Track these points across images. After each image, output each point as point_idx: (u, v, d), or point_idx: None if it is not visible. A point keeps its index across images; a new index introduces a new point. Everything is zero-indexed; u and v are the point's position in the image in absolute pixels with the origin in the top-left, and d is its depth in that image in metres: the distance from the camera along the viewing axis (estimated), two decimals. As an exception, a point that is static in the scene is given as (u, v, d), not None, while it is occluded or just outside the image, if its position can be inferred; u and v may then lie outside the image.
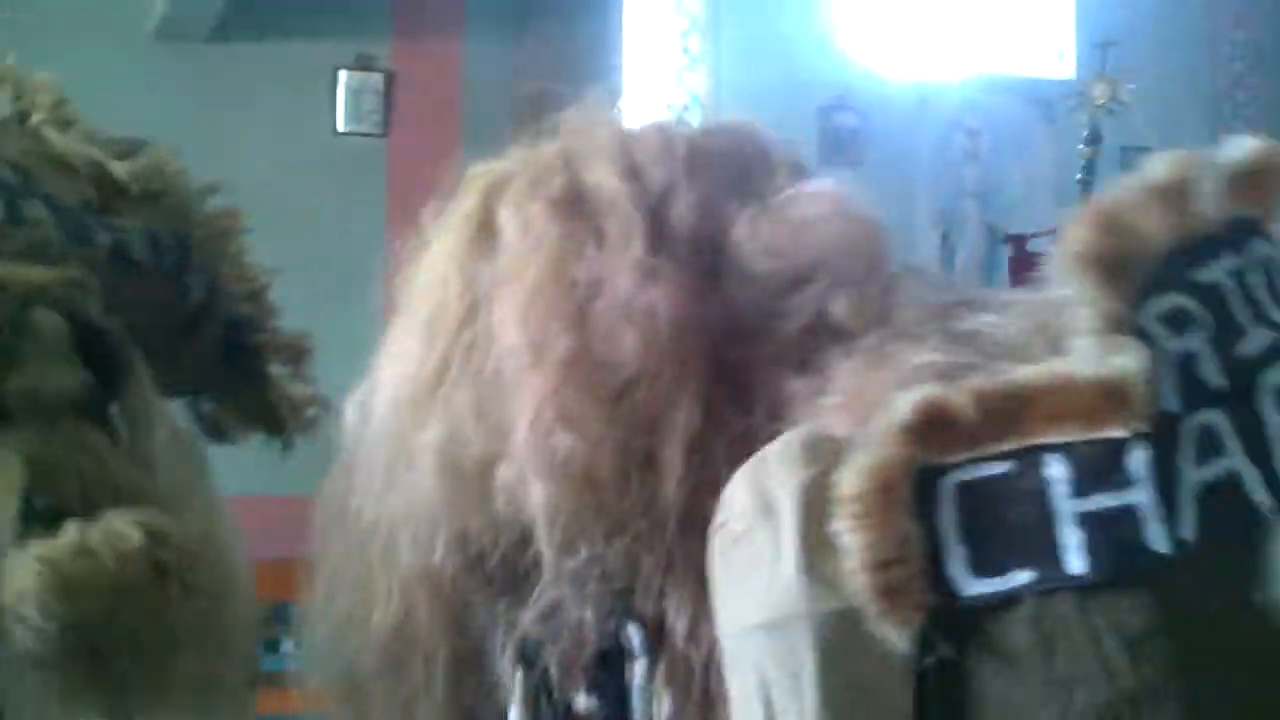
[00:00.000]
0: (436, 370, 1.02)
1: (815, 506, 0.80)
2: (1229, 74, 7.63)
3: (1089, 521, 0.77)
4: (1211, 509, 0.78)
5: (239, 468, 1.29)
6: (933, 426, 0.78)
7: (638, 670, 0.98)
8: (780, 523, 0.82)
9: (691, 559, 0.92)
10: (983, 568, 0.78)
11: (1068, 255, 0.81)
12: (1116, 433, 0.77)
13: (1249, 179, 0.85)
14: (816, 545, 0.80)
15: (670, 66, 6.48)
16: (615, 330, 0.96)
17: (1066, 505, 0.77)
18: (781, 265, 1.00)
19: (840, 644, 0.79)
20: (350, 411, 1.12)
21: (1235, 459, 0.80)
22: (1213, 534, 0.78)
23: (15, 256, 1.02)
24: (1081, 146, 4.97)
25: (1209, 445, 0.80)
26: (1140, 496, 0.77)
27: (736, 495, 0.86)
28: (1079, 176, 4.90)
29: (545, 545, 0.98)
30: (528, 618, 1.01)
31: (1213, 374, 0.80)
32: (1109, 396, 0.77)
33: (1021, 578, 0.77)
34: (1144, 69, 6.57)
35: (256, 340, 1.26)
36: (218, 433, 1.28)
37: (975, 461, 0.78)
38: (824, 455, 0.83)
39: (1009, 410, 0.78)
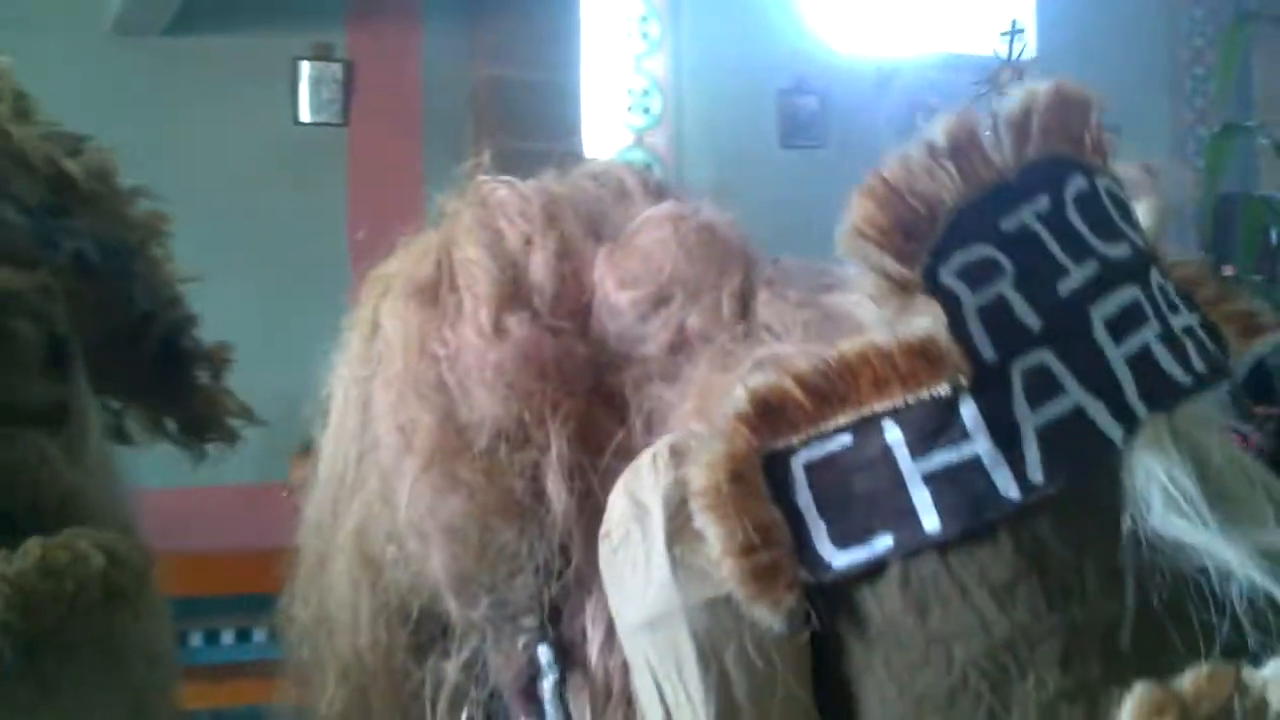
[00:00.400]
0: (349, 471, 1.11)
1: (680, 505, 0.83)
2: (1188, 49, 7.67)
3: (935, 480, 0.78)
4: (1058, 447, 0.78)
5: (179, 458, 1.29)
6: (768, 413, 0.80)
7: (546, 686, 1.01)
8: (650, 525, 0.85)
9: (594, 575, 0.95)
10: (846, 539, 0.79)
11: (848, 231, 0.81)
12: (939, 390, 0.78)
13: (1044, 121, 0.85)
14: (683, 541, 0.83)
15: (629, 52, 6.48)
16: (469, 392, 1.01)
17: (911, 467, 0.78)
18: (638, 293, 1.04)
19: (716, 631, 0.81)
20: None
21: (1075, 395, 0.80)
22: (1064, 472, 0.78)
23: None
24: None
25: (1043, 385, 0.80)
26: (979, 448, 0.77)
27: (615, 505, 0.89)
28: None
29: (451, 604, 1.03)
30: (452, 668, 1.06)
31: (1028, 316, 0.80)
32: (919, 356, 0.78)
33: (884, 543, 0.79)
34: (1104, 47, 6.61)
35: (187, 347, 1.25)
36: (123, 437, 1.27)
37: (818, 439, 0.80)
38: (686, 457, 0.86)
39: (836, 386, 0.80)
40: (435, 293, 1.08)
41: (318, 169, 5.78)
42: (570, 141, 5.89)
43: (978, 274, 0.80)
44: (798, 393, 0.80)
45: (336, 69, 5.91)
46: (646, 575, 0.84)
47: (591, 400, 1.02)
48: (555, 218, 1.10)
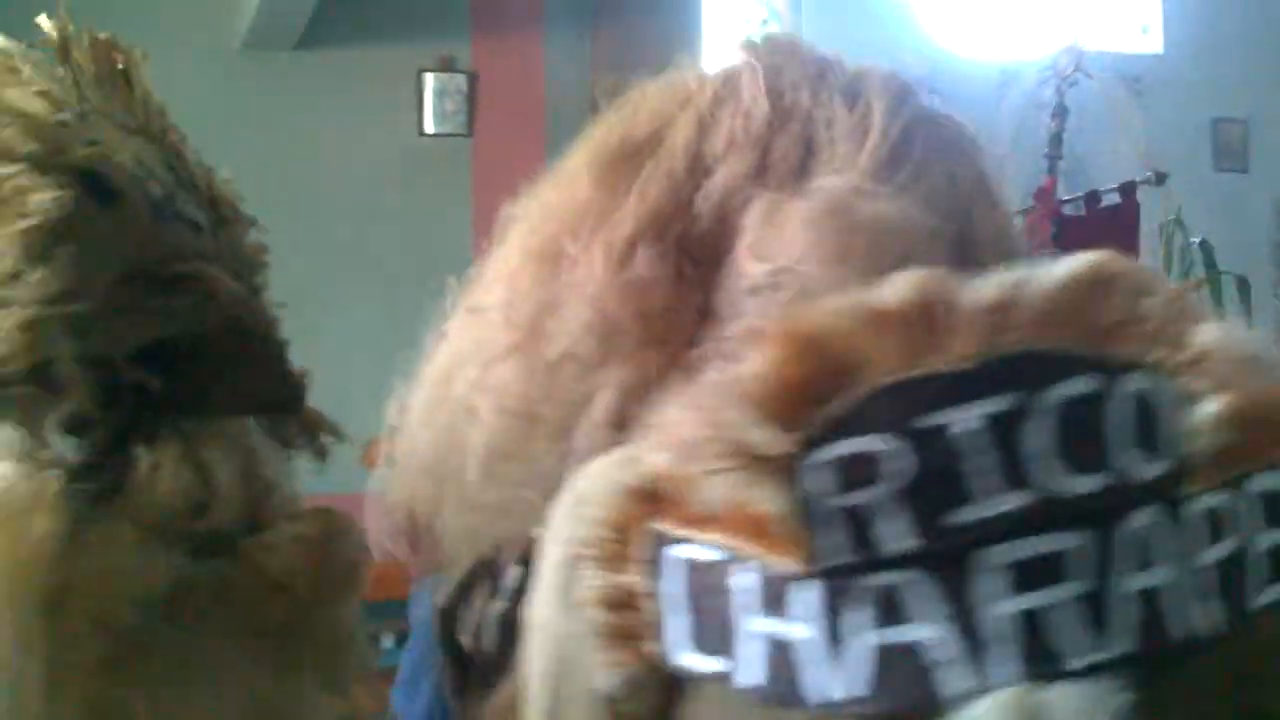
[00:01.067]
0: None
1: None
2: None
3: (761, 639, 0.73)
4: (883, 674, 0.71)
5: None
6: (655, 496, 0.75)
7: (494, 609, 0.95)
8: (564, 533, 0.81)
9: None
10: (698, 642, 0.75)
11: (744, 376, 0.71)
12: (785, 566, 0.71)
13: (1047, 307, 0.71)
14: (571, 570, 0.79)
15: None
16: (567, 300, 0.91)
17: (745, 617, 0.73)
18: (761, 267, 0.90)
19: (563, 664, 0.80)
20: None
21: (920, 630, 0.70)
22: (880, 699, 0.70)
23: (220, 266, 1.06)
24: (1049, 121, 4.72)
25: (889, 608, 0.71)
26: (802, 634, 0.71)
27: (569, 487, 0.83)
28: (1046, 152, 4.64)
29: (471, 471, 0.94)
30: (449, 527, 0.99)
31: (897, 535, 0.69)
32: (759, 527, 0.71)
33: (714, 665, 0.74)
34: (1232, 40, 6.46)
35: (291, 369, 1.29)
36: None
37: (698, 541, 0.74)
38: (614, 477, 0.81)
39: (708, 512, 0.73)
40: (619, 171, 0.95)
41: (443, 179, 5.86)
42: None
43: (855, 470, 0.69)
44: (683, 496, 0.74)
45: (461, 80, 5.99)
46: (546, 573, 0.81)
47: (680, 357, 0.92)
48: (773, 130, 0.93)
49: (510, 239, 0.99)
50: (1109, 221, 4.24)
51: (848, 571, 0.70)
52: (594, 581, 0.75)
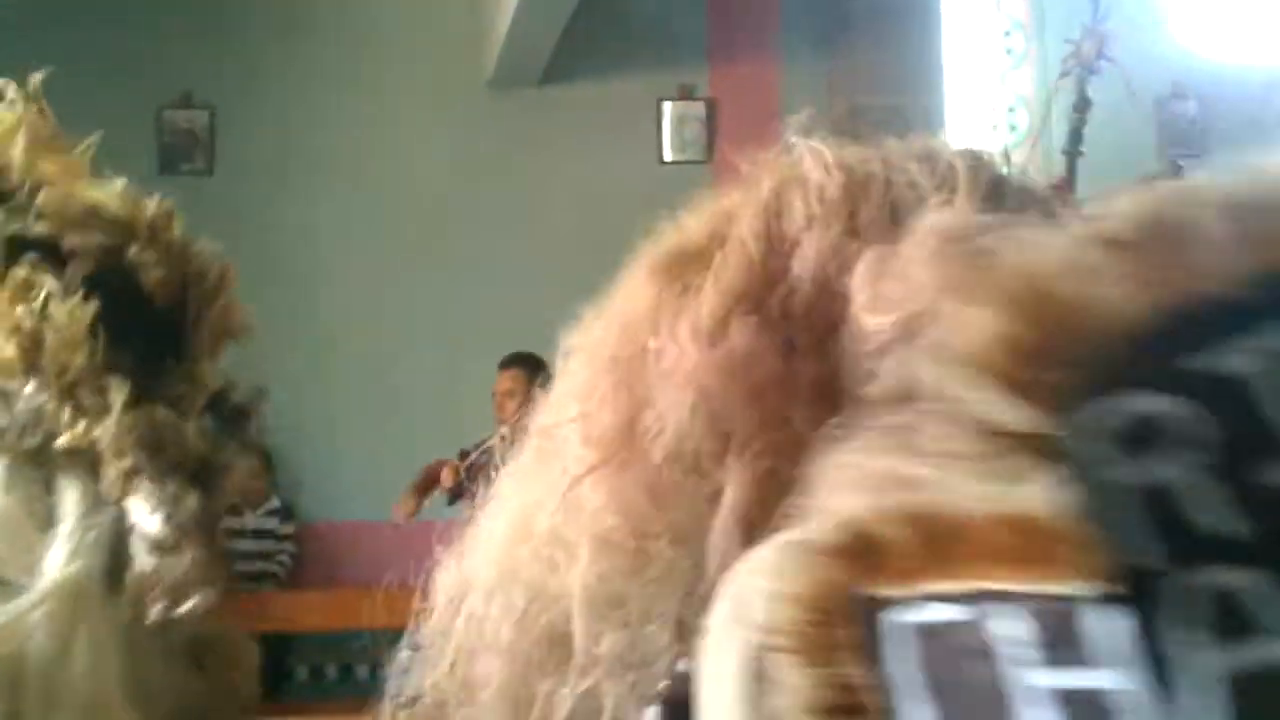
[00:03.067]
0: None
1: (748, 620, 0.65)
2: None
3: (1049, 702, 0.55)
4: (1253, 709, 0.52)
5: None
6: (863, 552, 0.60)
7: None
8: (737, 640, 0.67)
9: None
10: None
11: (966, 352, 0.60)
12: (1069, 590, 0.56)
13: None
14: (759, 678, 0.68)
15: (993, 69, 6.34)
16: (660, 394, 0.80)
17: (1023, 676, 0.56)
18: (884, 319, 0.78)
19: None
20: None
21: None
22: None
23: None
24: (1074, 114, 4.20)
25: (1235, 620, 0.53)
26: (1108, 681, 0.54)
27: (723, 595, 0.73)
28: (1064, 148, 4.21)
29: (579, 628, 0.85)
30: (566, 697, 0.88)
31: (1220, 517, 0.55)
32: (1052, 543, 0.56)
33: None
34: None
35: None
36: None
37: (923, 599, 0.59)
38: (805, 565, 0.70)
39: (950, 543, 0.59)
40: (684, 269, 0.87)
41: (683, 206, 5.90)
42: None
43: (1140, 440, 0.55)
44: (908, 540, 0.59)
45: (699, 107, 6.03)
46: (721, 695, 0.68)
47: (788, 440, 0.80)
48: (854, 199, 0.85)
49: (572, 364, 0.90)
50: None
51: (1165, 577, 0.55)
52: (798, 682, 0.60)
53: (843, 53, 5.93)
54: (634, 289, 0.87)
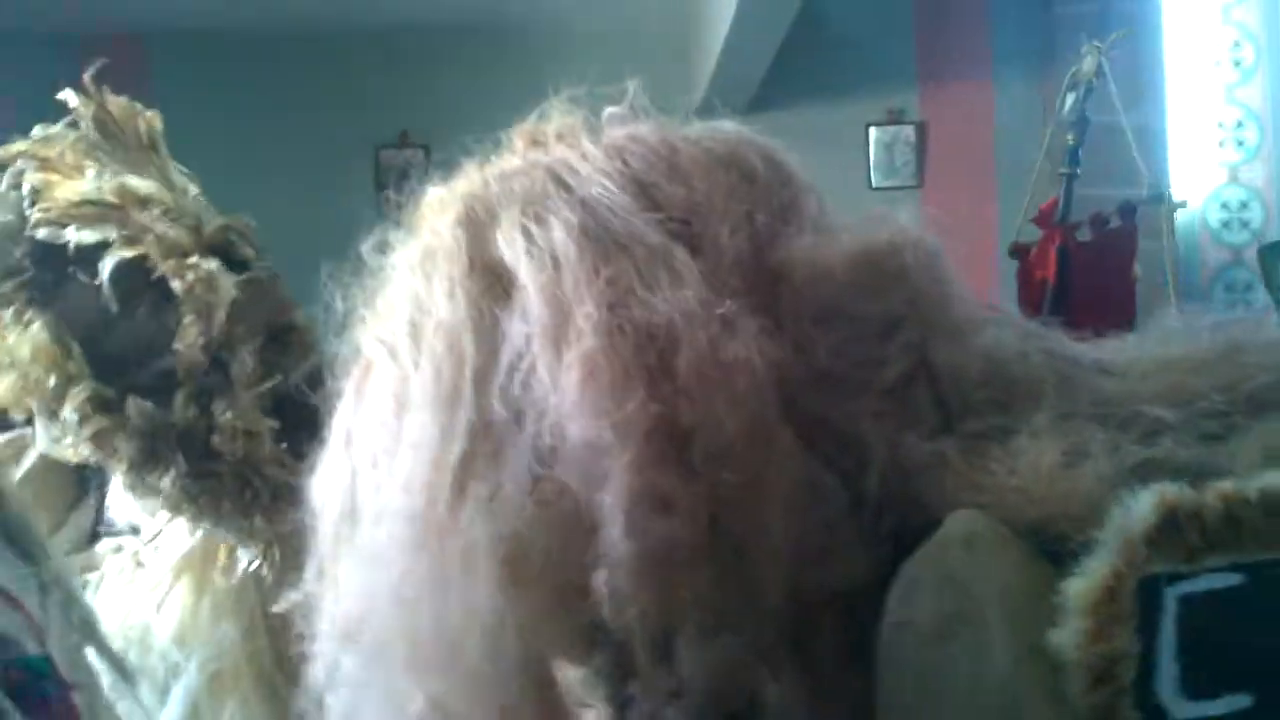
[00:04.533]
0: (464, 452, 0.80)
1: (1025, 612, 0.71)
2: None
3: None
4: None
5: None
6: (1170, 533, 0.68)
7: None
8: (986, 629, 0.72)
9: (806, 651, 0.78)
10: (1197, 689, 0.67)
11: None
12: None
13: None
14: (1028, 657, 0.70)
15: (1220, 83, 6.10)
16: (703, 390, 0.78)
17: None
18: (881, 303, 0.84)
19: None
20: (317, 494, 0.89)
21: None
22: None
23: None
24: (1069, 137, 3.81)
25: None
26: None
27: (922, 590, 0.75)
28: (1062, 170, 4.05)
29: (639, 651, 0.79)
30: None
31: None
32: None
33: (1239, 702, 0.66)
34: None
35: None
36: None
37: (1206, 571, 0.68)
38: (1019, 549, 0.73)
39: (1255, 521, 0.67)
40: (601, 240, 0.85)
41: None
42: (1157, 185, 5.61)
43: None
44: (1211, 518, 0.68)
45: (909, 131, 5.97)
46: (974, 685, 0.72)
47: (806, 430, 0.81)
48: (728, 189, 0.89)
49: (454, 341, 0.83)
50: (1112, 245, 3.55)
51: None
52: (1084, 659, 0.68)
53: (1059, 72, 5.78)
54: (558, 261, 0.83)
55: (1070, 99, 3.59)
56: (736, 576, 0.77)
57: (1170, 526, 0.67)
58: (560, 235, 0.83)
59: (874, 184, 5.99)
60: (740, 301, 0.82)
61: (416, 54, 5.66)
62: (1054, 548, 0.72)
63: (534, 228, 0.84)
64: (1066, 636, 0.68)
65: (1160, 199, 3.60)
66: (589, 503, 0.77)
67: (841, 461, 0.80)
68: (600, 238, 0.84)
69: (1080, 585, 0.69)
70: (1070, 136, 3.61)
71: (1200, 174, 5.98)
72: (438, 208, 0.89)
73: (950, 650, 0.73)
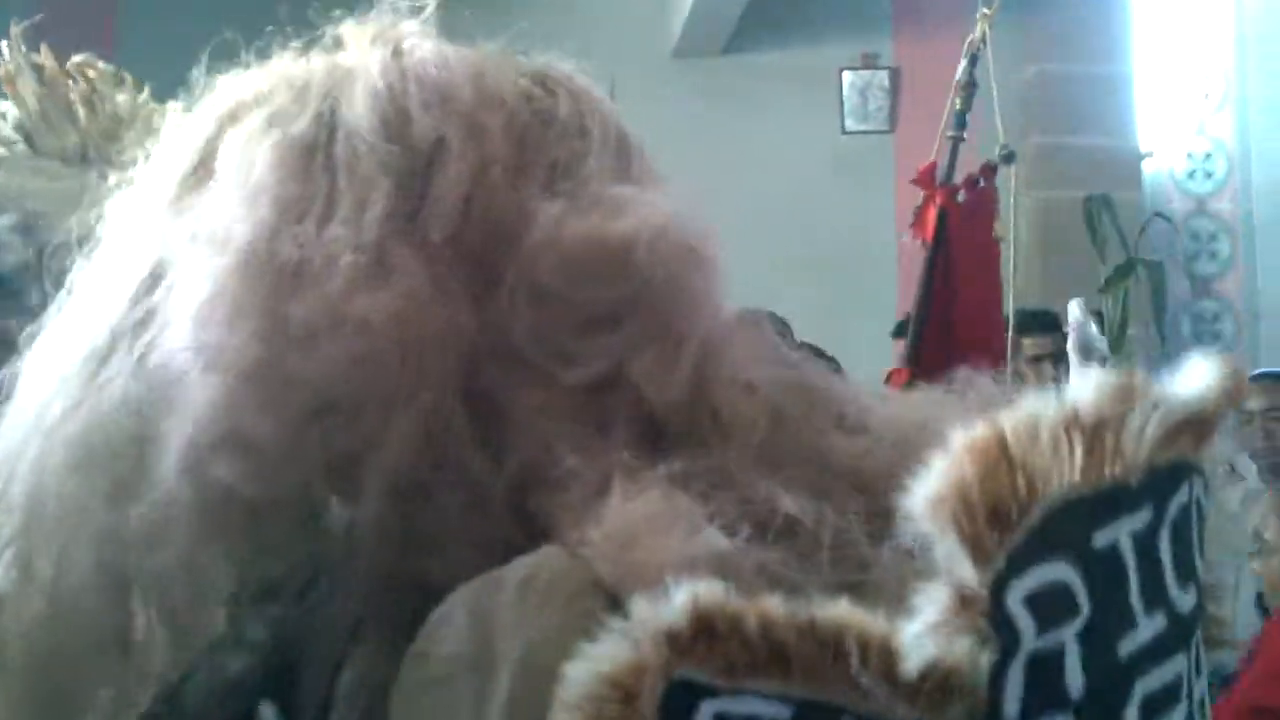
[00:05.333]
0: (100, 344, 0.76)
1: (540, 677, 0.60)
2: None
3: None
4: None
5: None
6: (705, 640, 0.58)
7: None
8: (493, 685, 0.64)
9: (389, 626, 0.71)
10: None
11: (934, 495, 0.61)
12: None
13: (1193, 422, 0.66)
14: None
15: (1189, 34, 6.14)
16: (315, 340, 0.72)
17: None
18: (596, 295, 0.76)
19: None
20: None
21: None
22: None
23: None
24: (957, 101, 3.74)
25: None
26: None
27: (450, 625, 0.66)
28: (950, 132, 3.81)
29: (174, 599, 0.73)
30: (145, 698, 0.76)
31: (1074, 675, 0.62)
32: (934, 687, 0.59)
33: None
34: None
35: None
36: None
37: (749, 694, 0.59)
38: (574, 608, 0.64)
39: (807, 654, 0.59)
40: (308, 161, 0.78)
41: (865, 176, 5.88)
42: (1123, 135, 5.67)
43: (1050, 608, 0.61)
44: (755, 637, 0.58)
45: (883, 76, 5.99)
46: None
47: (454, 403, 0.74)
48: (483, 130, 0.79)
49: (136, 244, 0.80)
50: (980, 206, 3.52)
51: None
52: None
53: (1034, 18, 5.82)
54: (251, 177, 0.77)
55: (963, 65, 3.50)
56: (319, 543, 0.72)
57: (705, 633, 0.58)
58: (267, 146, 0.77)
59: (846, 128, 6.02)
60: (430, 254, 0.75)
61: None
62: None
63: (257, 135, 0.78)
64: None
65: (1010, 158, 3.51)
66: (159, 428, 0.72)
67: (494, 449, 0.73)
68: (305, 157, 0.77)
69: (580, 669, 0.58)
70: (958, 101, 3.53)
71: (1169, 126, 6.04)
72: (216, 96, 0.84)
73: (450, 697, 0.65)
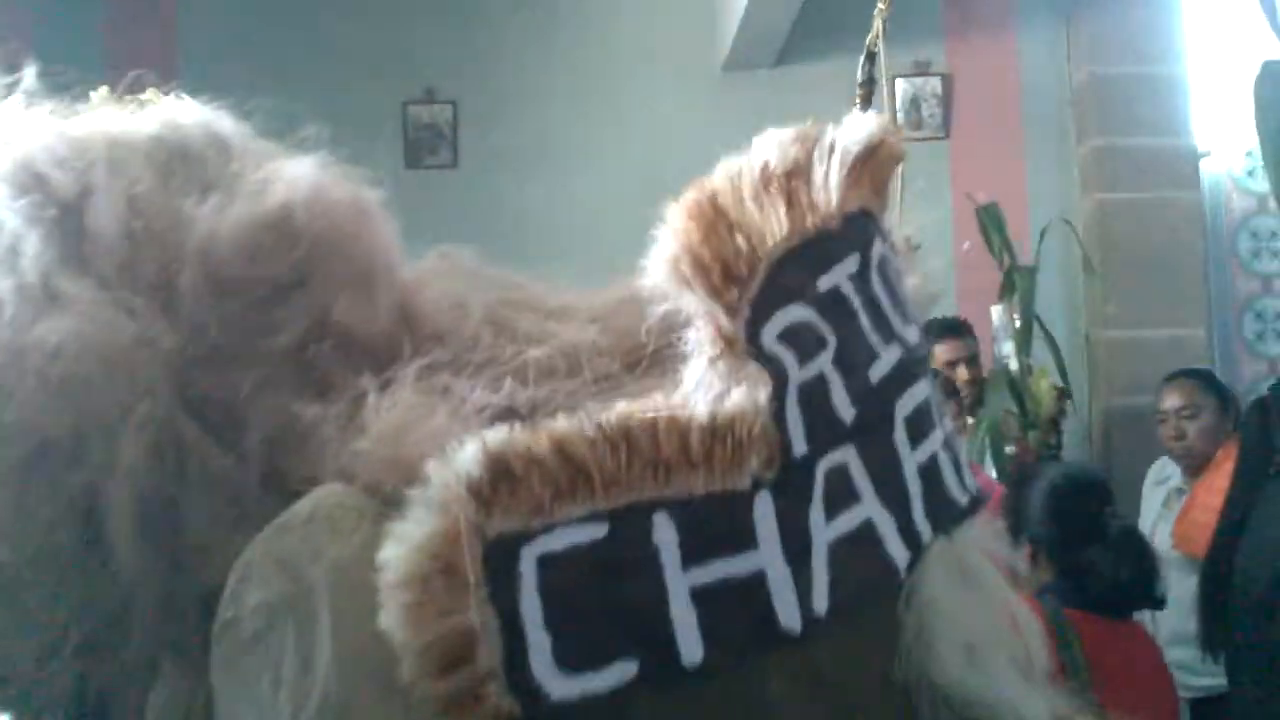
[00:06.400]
0: None
1: (358, 592, 0.60)
2: None
3: (706, 597, 0.59)
4: (846, 570, 0.61)
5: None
6: (506, 483, 0.58)
7: None
8: (312, 618, 0.62)
9: (184, 661, 0.69)
10: (574, 661, 0.58)
11: (668, 256, 0.65)
12: (737, 484, 0.60)
13: (866, 165, 0.71)
14: (362, 647, 0.60)
15: (1242, 34, 6.07)
16: (3, 382, 0.71)
17: (679, 577, 0.59)
18: (264, 269, 0.78)
19: None
20: None
21: (869, 506, 0.64)
22: (849, 601, 0.61)
23: None
24: (856, 99, 3.63)
25: (841, 491, 0.63)
26: (765, 561, 0.59)
27: (250, 581, 0.65)
28: (859, 89, 3.74)
29: None
30: None
31: (844, 403, 0.65)
32: (726, 440, 0.60)
33: (623, 671, 0.59)
34: None
35: None
36: None
37: (563, 525, 0.59)
38: (366, 521, 0.64)
39: (604, 460, 0.59)
40: None
41: (921, 183, 5.85)
42: (1180, 135, 5.62)
43: (801, 342, 0.64)
44: (551, 462, 0.59)
45: (935, 83, 5.98)
46: (299, 684, 0.62)
47: (176, 408, 0.74)
48: (123, 163, 0.82)
49: None
50: None
51: (806, 463, 0.62)
52: (413, 644, 0.57)
53: (1083, 20, 5.79)
54: None
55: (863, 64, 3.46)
56: (81, 585, 0.70)
57: (505, 478, 0.58)
58: None
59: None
60: (102, 282, 0.76)
61: (443, 8, 5.69)
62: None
63: None
64: (391, 616, 0.58)
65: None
66: None
67: (230, 440, 0.73)
68: None
69: (394, 552, 0.58)
70: (859, 100, 3.49)
71: (1225, 126, 5.97)
72: None
73: (272, 648, 0.62)
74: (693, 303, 0.65)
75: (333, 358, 0.77)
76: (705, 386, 0.62)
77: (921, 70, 6.00)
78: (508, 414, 0.66)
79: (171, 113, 0.90)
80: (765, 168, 0.69)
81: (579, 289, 0.88)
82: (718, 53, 5.85)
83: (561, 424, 0.61)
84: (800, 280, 0.67)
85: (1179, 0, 5.78)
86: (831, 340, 0.67)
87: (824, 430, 0.64)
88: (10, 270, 0.75)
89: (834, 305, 0.68)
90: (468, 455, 0.59)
